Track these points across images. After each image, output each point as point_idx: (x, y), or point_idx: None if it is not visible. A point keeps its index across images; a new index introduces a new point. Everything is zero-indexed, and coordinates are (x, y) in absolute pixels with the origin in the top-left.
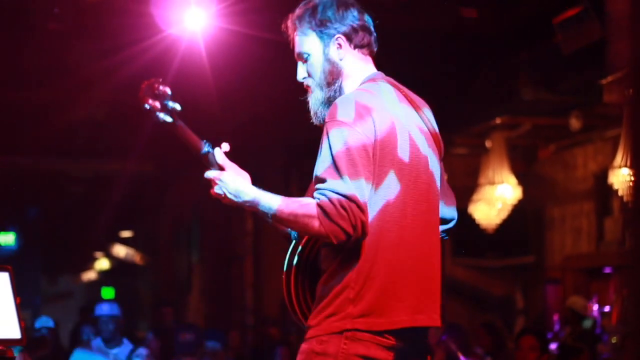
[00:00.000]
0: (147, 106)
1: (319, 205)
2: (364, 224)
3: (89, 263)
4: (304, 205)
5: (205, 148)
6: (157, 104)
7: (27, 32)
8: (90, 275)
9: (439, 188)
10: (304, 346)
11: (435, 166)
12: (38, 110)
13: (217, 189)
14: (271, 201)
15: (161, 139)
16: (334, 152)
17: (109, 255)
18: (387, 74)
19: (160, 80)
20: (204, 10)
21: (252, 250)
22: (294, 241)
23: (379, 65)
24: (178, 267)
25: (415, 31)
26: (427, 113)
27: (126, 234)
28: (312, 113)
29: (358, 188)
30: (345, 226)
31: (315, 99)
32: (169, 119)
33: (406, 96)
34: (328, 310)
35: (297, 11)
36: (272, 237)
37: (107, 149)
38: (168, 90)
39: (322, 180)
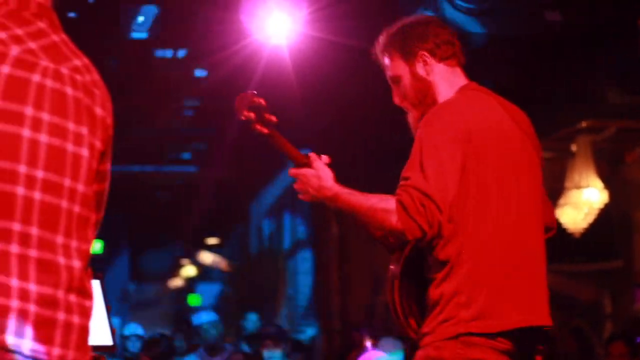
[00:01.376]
0: (242, 118)
1: (398, 201)
2: (441, 224)
3: (175, 270)
4: (383, 200)
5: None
6: (252, 116)
7: (113, 40)
8: (177, 282)
9: (541, 191)
10: (419, 353)
11: (535, 169)
12: (125, 118)
13: (299, 184)
14: (350, 196)
15: (247, 145)
16: (422, 153)
17: (195, 262)
18: (474, 79)
19: (255, 92)
20: (288, 17)
21: (338, 257)
22: (397, 251)
23: (466, 71)
24: (264, 273)
25: (500, 36)
26: (522, 117)
27: (212, 240)
28: (413, 133)
29: (440, 189)
30: (421, 222)
31: (412, 118)
32: (265, 130)
33: (500, 102)
34: (441, 317)
35: (381, 38)
36: (358, 243)
37: (193, 155)
38: (262, 102)
39: (406, 178)
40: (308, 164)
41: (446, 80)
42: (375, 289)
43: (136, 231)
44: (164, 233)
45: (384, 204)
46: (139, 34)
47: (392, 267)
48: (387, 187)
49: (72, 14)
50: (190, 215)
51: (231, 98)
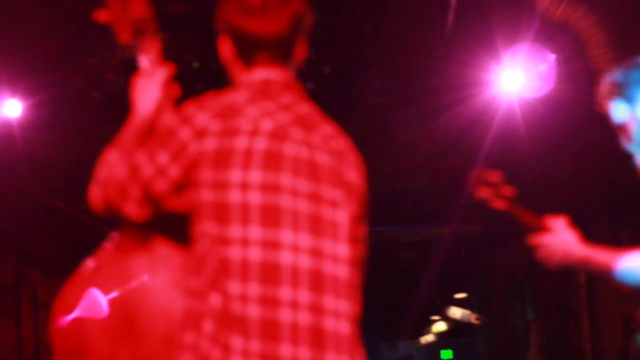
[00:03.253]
0: (477, 198)
1: None
2: None
3: (426, 326)
4: None
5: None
6: (488, 194)
7: (351, 108)
8: (428, 338)
9: None
10: None
11: None
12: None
13: (544, 253)
14: (601, 258)
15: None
16: None
17: (445, 317)
18: None
19: (488, 170)
20: (521, 71)
21: (587, 303)
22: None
23: None
24: (514, 324)
25: None
26: None
27: (460, 295)
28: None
29: None
30: None
31: (638, 162)
32: (502, 205)
33: None
34: None
35: (602, 82)
36: (608, 289)
37: (434, 213)
38: (496, 178)
39: None
40: (546, 228)
41: None
42: (627, 333)
43: (385, 290)
44: (412, 291)
45: None
46: (374, 99)
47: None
48: (633, 236)
49: (309, 85)
50: (436, 272)
51: (463, 153)
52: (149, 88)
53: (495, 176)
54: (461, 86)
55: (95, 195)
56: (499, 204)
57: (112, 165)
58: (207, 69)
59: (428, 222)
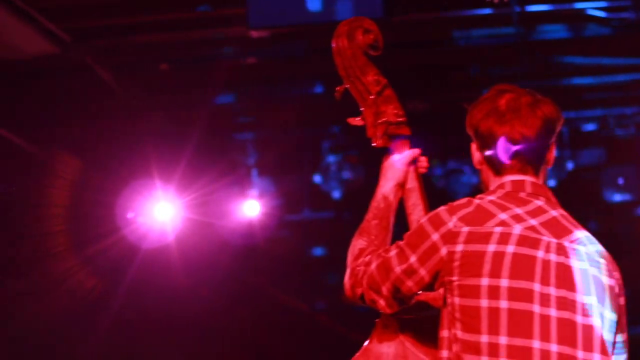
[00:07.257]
0: None
1: None
2: None
3: None
4: None
5: None
6: None
7: (595, 205)
8: None
9: None
10: None
11: None
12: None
13: None
14: None
15: None
16: None
17: None
18: None
19: None
20: None
21: None
22: None
23: None
24: None
25: None
26: None
27: None
28: None
29: None
30: None
31: None
32: None
33: None
34: None
35: None
36: None
37: None
38: None
39: None
40: None
41: None
42: None
43: None
44: None
45: None
46: (618, 195)
47: None
48: None
49: (552, 182)
50: None
51: None
52: (394, 168)
53: None
54: None
55: (349, 283)
56: None
57: (362, 255)
58: (446, 167)
59: None
